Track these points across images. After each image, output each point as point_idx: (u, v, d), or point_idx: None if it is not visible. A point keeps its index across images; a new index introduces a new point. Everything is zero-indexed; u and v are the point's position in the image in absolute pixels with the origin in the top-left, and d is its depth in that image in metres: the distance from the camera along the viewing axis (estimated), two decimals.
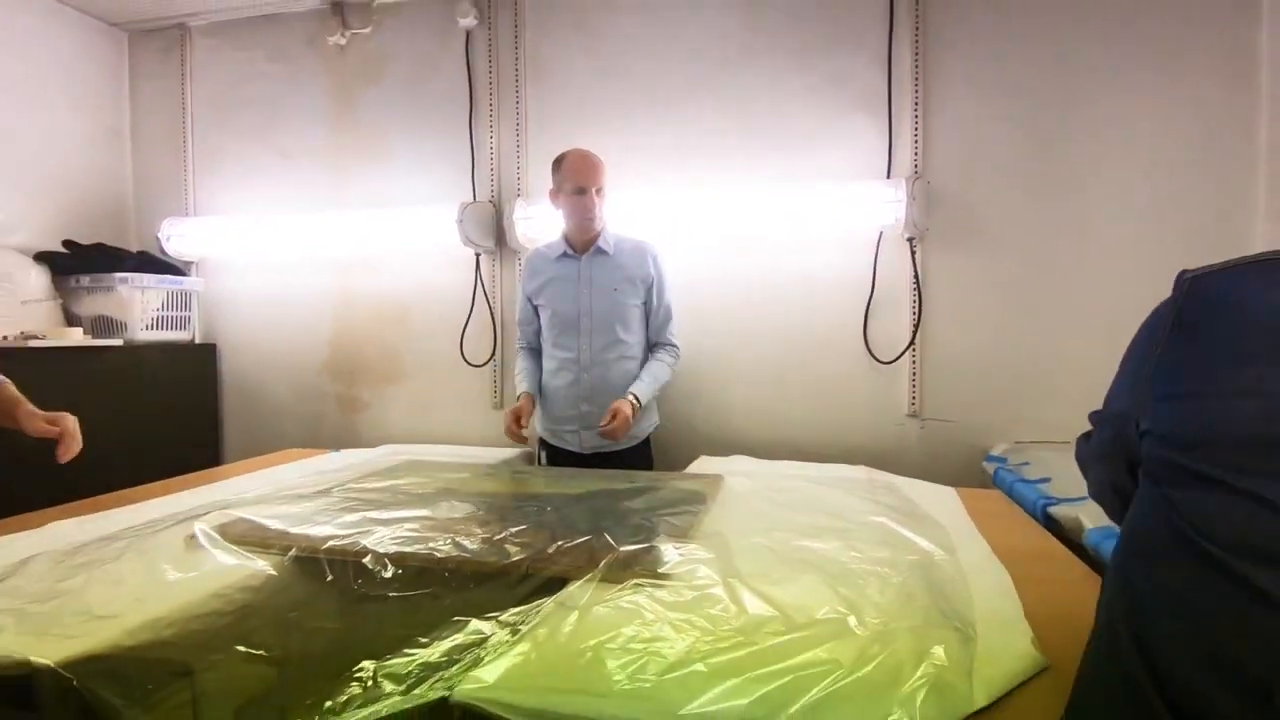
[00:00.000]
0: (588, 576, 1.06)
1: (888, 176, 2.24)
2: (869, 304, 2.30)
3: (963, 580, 1.12)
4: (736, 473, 1.91)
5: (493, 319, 2.63)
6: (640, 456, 2.15)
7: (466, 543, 1.23)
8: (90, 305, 2.54)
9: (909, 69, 2.22)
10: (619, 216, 2.26)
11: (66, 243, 2.59)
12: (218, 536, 1.27)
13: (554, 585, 1.07)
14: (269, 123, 2.84)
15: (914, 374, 2.28)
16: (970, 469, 2.20)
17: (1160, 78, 2.08)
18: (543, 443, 2.18)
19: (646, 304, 2.11)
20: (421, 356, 2.72)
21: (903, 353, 2.27)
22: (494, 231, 2.56)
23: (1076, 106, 2.14)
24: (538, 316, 2.15)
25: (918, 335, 2.26)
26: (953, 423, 2.27)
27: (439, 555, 1.18)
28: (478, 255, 2.60)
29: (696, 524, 1.37)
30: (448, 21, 2.59)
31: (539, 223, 2.42)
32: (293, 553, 1.21)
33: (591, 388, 2.04)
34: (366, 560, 1.18)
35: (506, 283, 2.61)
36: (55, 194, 2.69)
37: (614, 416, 1.93)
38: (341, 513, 1.42)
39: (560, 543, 1.21)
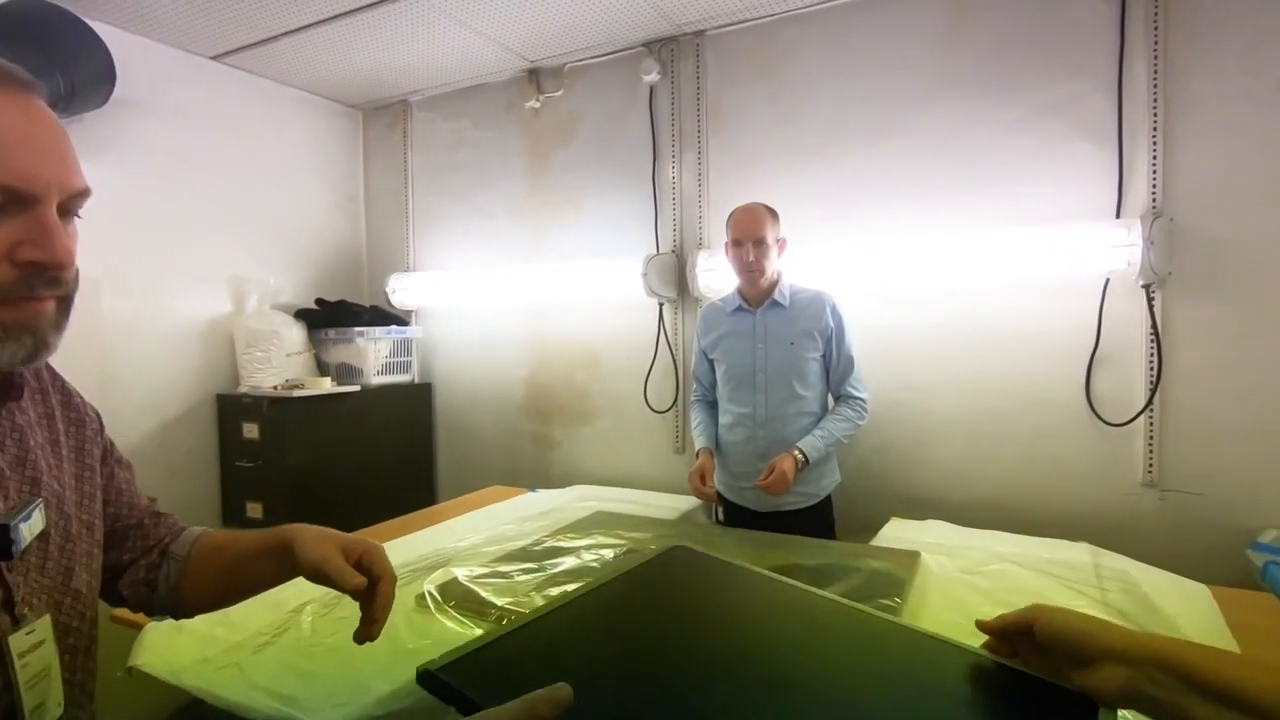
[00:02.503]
0: None
1: (1117, 215, 1.97)
2: (1092, 358, 2.04)
3: None
4: (933, 545, 1.78)
5: (675, 366, 2.69)
6: (820, 517, 2.08)
7: None
8: (335, 354, 2.96)
9: (1145, 90, 1.94)
10: (803, 267, 2.21)
11: (318, 301, 3.05)
12: (440, 600, 1.42)
13: None
14: (475, 185, 3.13)
15: (1151, 436, 1.99)
16: (1225, 555, 1.87)
17: None
18: (721, 497, 2.18)
19: (826, 356, 2.03)
20: (608, 400, 2.85)
21: (1139, 413, 1.98)
22: (676, 281, 2.62)
23: None
24: (713, 370, 2.17)
25: (1156, 394, 1.96)
26: (1202, 496, 1.94)
27: None
28: (661, 304, 2.67)
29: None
30: (632, 79, 2.70)
31: (721, 274, 2.43)
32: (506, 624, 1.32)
33: (768, 444, 2.01)
34: None
35: (688, 331, 2.66)
36: (308, 257, 3.17)
37: (771, 471, 1.88)
38: (544, 580, 1.52)
39: None
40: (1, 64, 0.57)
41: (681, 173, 2.65)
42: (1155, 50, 1.93)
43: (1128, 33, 1.96)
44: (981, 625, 0.72)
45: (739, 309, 2.08)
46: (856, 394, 2.03)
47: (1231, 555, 1.85)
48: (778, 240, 2.02)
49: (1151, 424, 1.99)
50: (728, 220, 2.04)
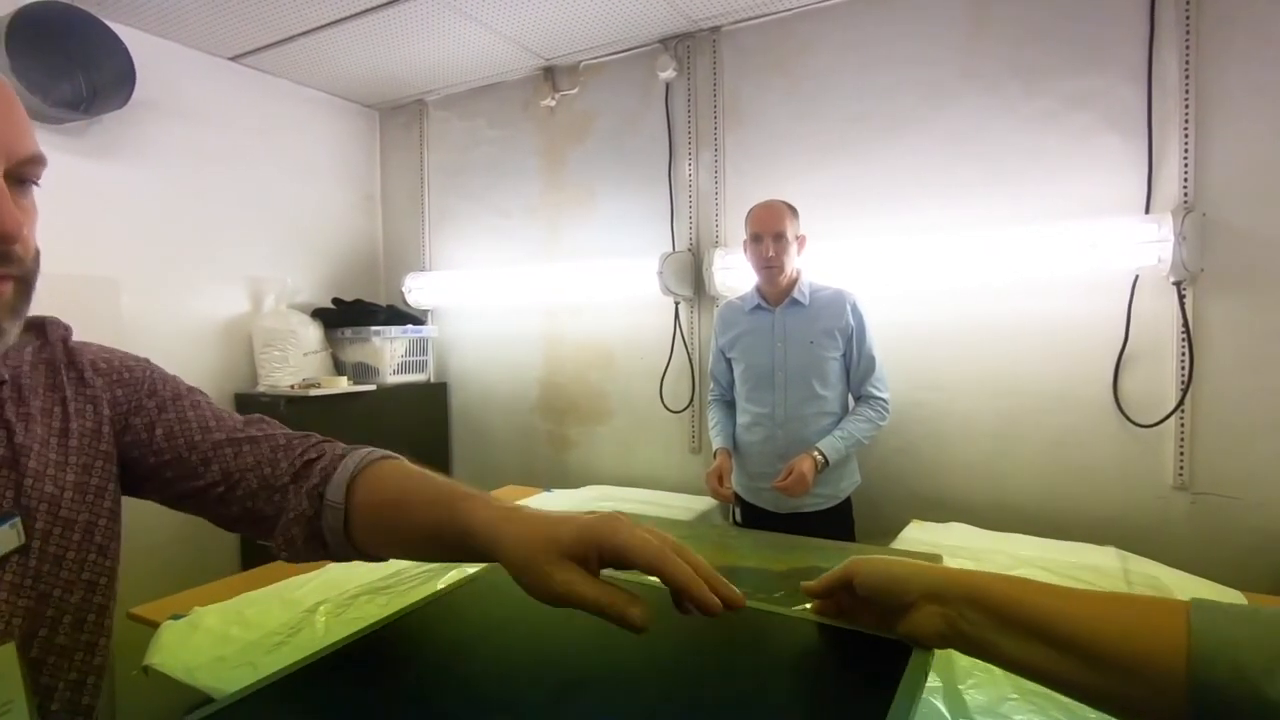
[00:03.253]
0: None
1: (1146, 211, 1.92)
2: (1120, 357, 1.99)
3: None
4: (955, 549, 1.74)
5: (691, 366, 2.66)
6: (840, 519, 2.04)
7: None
8: (352, 353, 2.97)
9: (1176, 81, 1.88)
10: (823, 265, 2.18)
11: (335, 300, 3.06)
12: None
13: None
14: (490, 183, 3.12)
15: (1182, 437, 1.93)
16: (1259, 560, 1.81)
17: None
18: (738, 498, 2.15)
19: (846, 356, 2.00)
20: (624, 400, 2.83)
21: (1170, 414, 1.93)
22: (693, 280, 2.59)
23: None
24: (731, 369, 2.14)
25: (1188, 394, 1.90)
26: (1236, 499, 1.88)
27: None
28: (676, 303, 2.65)
29: None
30: (648, 76, 2.68)
31: (738, 272, 2.40)
32: None
33: (786, 445, 1.98)
34: None
35: (705, 330, 2.63)
36: (326, 256, 3.18)
37: (790, 473, 1.85)
38: None
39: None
40: None
41: (698, 170, 2.62)
42: (1187, 40, 1.87)
43: (1158, 22, 1.90)
44: (805, 588, 0.70)
45: (758, 307, 2.05)
46: (878, 394, 1.99)
47: (1266, 557, 1.79)
48: (797, 237, 1.99)
49: (1182, 425, 1.93)
50: (746, 216, 2.01)
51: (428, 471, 0.71)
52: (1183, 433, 1.93)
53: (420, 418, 3.11)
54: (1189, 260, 1.80)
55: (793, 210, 1.98)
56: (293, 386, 2.64)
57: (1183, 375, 1.91)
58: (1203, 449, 1.92)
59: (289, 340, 2.74)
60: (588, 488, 2.59)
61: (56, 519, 0.63)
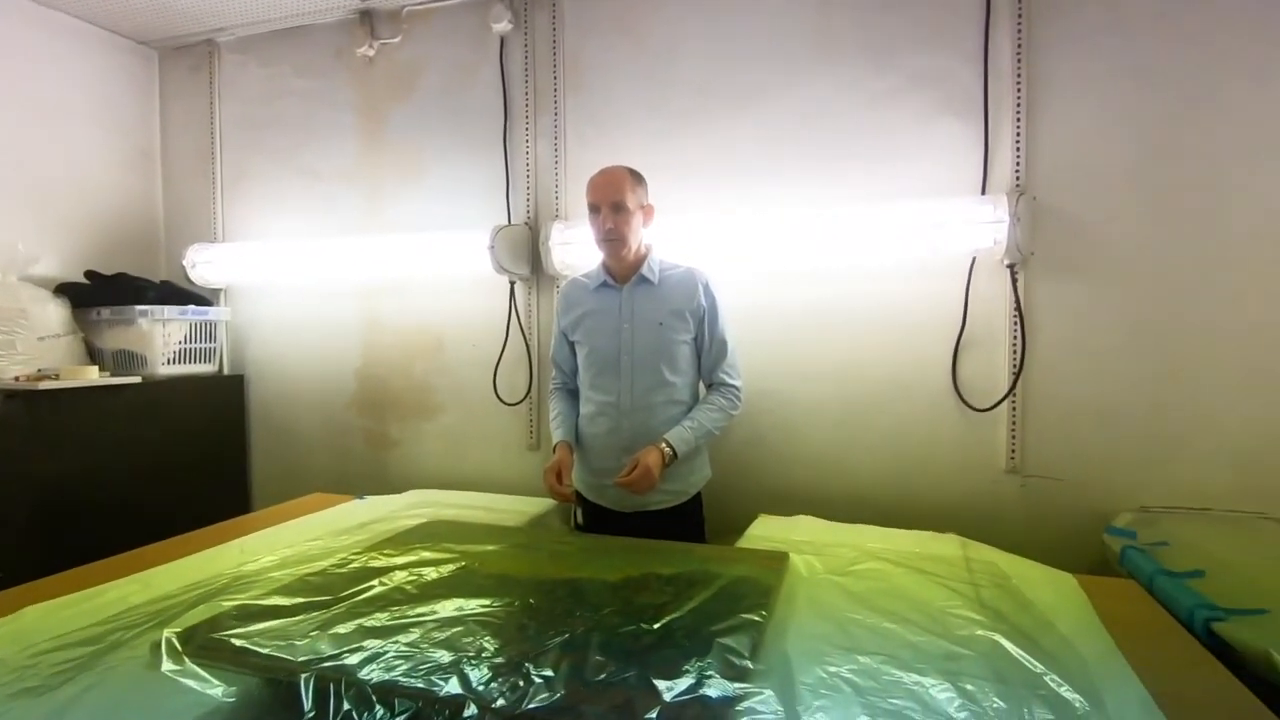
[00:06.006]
0: None
1: (983, 192, 1.91)
2: (959, 341, 1.97)
3: None
4: (803, 545, 1.63)
5: (529, 353, 2.40)
6: (689, 516, 1.88)
7: (473, 673, 0.99)
8: (111, 339, 2.42)
9: (1009, 65, 1.89)
10: (668, 242, 2.00)
11: (88, 273, 2.49)
12: (181, 648, 1.06)
13: None
14: (298, 142, 2.68)
15: (1014, 422, 1.94)
16: (1084, 539, 1.85)
17: None
18: (580, 497, 1.93)
19: (697, 339, 1.83)
20: (454, 392, 2.52)
21: (1003, 398, 1.93)
22: (529, 257, 2.34)
23: (1214, 102, 1.77)
24: (574, 354, 1.91)
25: (1020, 378, 1.92)
26: (1061, 481, 1.92)
27: (435, 694, 0.94)
28: (512, 283, 2.38)
29: (758, 645, 1.09)
30: (481, 28, 2.38)
31: (579, 248, 2.18)
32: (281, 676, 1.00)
33: (633, 436, 1.78)
34: (349, 695, 0.95)
35: (544, 314, 2.38)
36: (80, 221, 2.59)
37: (634, 467, 1.67)
38: (336, 615, 1.20)
39: (593, 681, 0.96)
40: None
41: (536, 135, 2.37)
42: (1019, 25, 1.88)
43: (993, 6, 1.90)
44: None
45: (604, 285, 1.84)
46: (730, 381, 1.84)
47: (1089, 536, 1.83)
48: (642, 207, 1.79)
49: (1014, 409, 1.94)
50: (586, 185, 1.78)
51: None
52: (1014, 417, 1.95)
53: (207, 416, 2.61)
54: (1022, 243, 1.81)
55: (636, 177, 1.78)
56: (17, 378, 2.08)
57: (1015, 360, 1.92)
58: (1032, 432, 1.95)
59: (17, 321, 2.18)
60: (410, 493, 2.25)
61: None
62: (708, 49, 2.17)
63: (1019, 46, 1.88)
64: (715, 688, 0.94)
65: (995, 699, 0.95)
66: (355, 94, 2.59)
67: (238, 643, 1.08)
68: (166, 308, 2.44)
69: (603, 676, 0.97)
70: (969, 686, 0.98)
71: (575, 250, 2.19)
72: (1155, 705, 0.96)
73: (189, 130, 2.84)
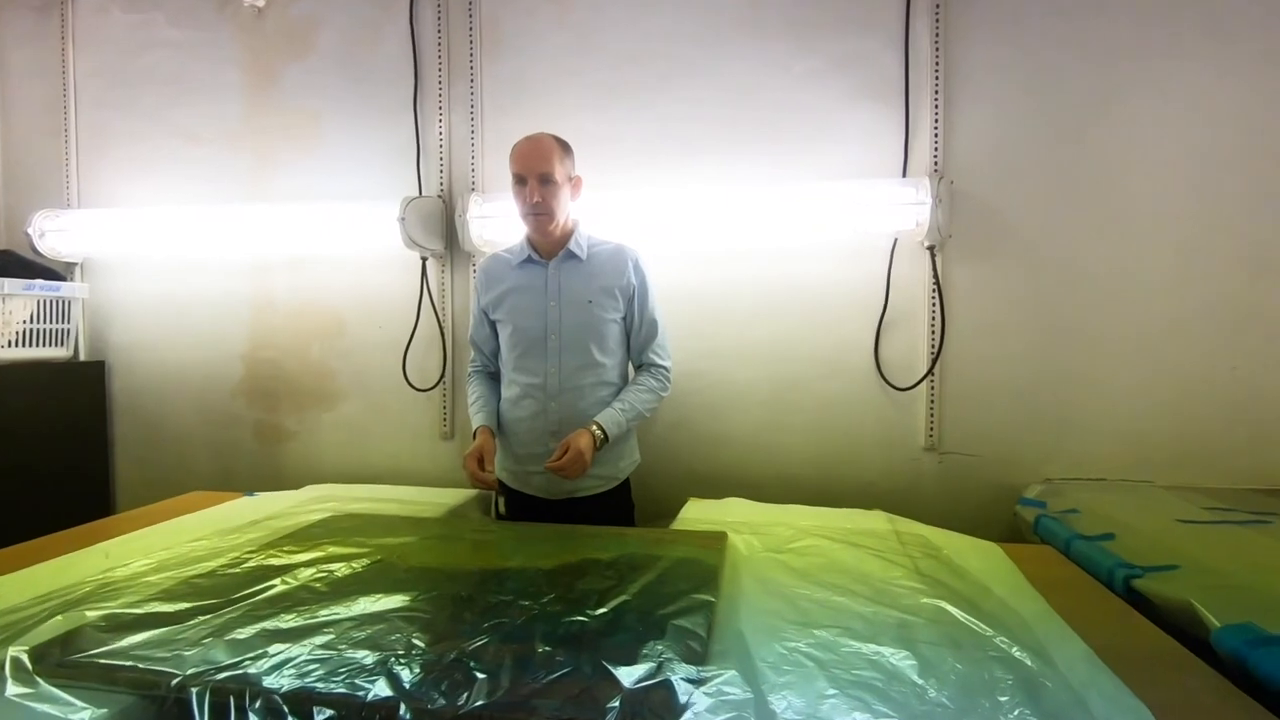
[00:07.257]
0: None
1: (904, 175, 1.95)
2: (881, 321, 2.01)
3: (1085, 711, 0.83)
4: (737, 525, 1.60)
5: (442, 335, 2.24)
6: (618, 502, 1.81)
7: (404, 673, 0.87)
8: None
9: (928, 52, 1.94)
10: (592, 218, 1.91)
11: None
12: (32, 666, 0.88)
13: None
14: (171, 100, 2.39)
15: (932, 400, 2.00)
16: (996, 510, 1.93)
17: (1214, 63, 1.84)
18: (502, 485, 1.81)
19: (627, 318, 1.76)
20: (357, 378, 2.32)
21: (923, 378, 1.98)
22: (443, 232, 2.18)
23: (1117, 95, 1.88)
24: (495, 334, 1.79)
25: (939, 358, 1.97)
26: (976, 457, 1.99)
27: (361, 700, 0.81)
28: (424, 260, 2.21)
29: (713, 625, 1.04)
30: None
31: (499, 222, 2.05)
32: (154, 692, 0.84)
33: (560, 419, 1.69)
34: (254, 708, 0.81)
35: (459, 292, 2.23)
36: None
37: (565, 451, 1.58)
38: (233, 619, 1.03)
39: (542, 673, 0.87)
40: None
41: (450, 101, 2.22)
42: (937, 12, 1.93)
43: None
44: None
45: (528, 260, 1.73)
46: (660, 362, 1.78)
47: (1000, 508, 1.91)
48: (570, 179, 1.70)
49: (933, 388, 2.00)
50: (510, 154, 1.67)
51: None
52: (933, 395, 2.00)
53: (57, 408, 2.26)
54: (941, 225, 1.85)
55: (564, 146, 1.68)
56: None
57: (934, 340, 1.97)
58: (950, 410, 2.01)
59: None
60: (308, 488, 2.04)
61: None
62: (634, 18, 2.11)
63: (937, 34, 1.93)
64: (678, 671, 0.88)
65: (954, 663, 0.94)
66: (241, 49, 2.34)
67: (106, 660, 0.90)
68: (7, 281, 2.10)
69: (553, 668, 0.88)
70: (926, 653, 0.97)
71: (495, 224, 2.06)
72: (1098, 658, 0.98)
73: (34, 82, 2.47)
